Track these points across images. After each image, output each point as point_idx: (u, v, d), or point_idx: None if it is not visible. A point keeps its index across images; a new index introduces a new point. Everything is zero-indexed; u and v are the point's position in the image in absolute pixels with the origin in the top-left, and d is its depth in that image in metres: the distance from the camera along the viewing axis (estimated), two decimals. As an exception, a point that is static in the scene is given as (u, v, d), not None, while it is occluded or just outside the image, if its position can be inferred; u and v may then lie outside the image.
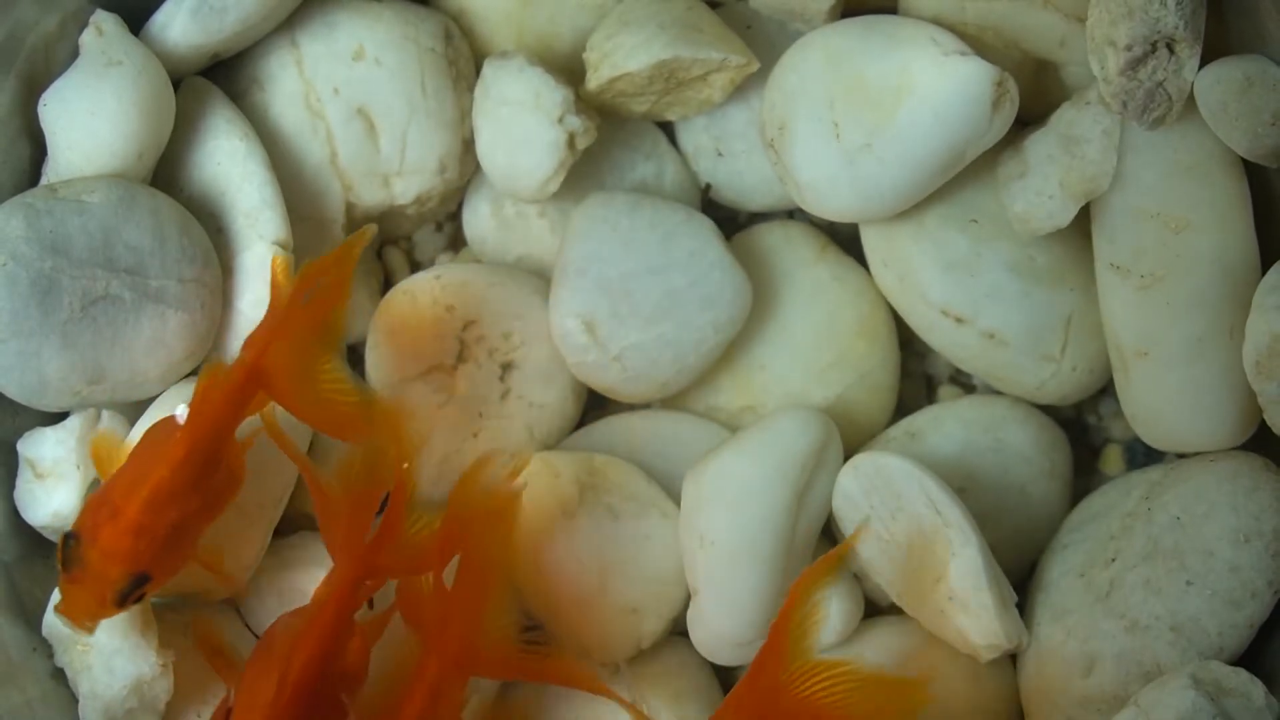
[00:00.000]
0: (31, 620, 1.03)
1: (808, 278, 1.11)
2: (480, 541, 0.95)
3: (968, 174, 1.07)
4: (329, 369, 0.97)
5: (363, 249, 0.99)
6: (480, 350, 1.09)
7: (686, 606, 1.06)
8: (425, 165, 1.12)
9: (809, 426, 1.06)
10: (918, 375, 1.15)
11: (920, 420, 1.10)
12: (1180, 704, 0.94)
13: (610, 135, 1.12)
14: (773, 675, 0.92)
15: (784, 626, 0.92)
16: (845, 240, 1.13)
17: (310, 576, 1.03)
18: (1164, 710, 0.95)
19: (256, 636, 1.07)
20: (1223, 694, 0.95)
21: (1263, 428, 1.03)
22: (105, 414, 1.06)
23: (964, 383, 1.14)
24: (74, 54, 1.06)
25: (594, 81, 1.08)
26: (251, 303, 1.07)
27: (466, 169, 1.13)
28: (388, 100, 1.11)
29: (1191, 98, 1.01)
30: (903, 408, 1.13)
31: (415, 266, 1.17)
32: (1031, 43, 1.08)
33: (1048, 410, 1.11)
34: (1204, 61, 1.01)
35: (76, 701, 1.01)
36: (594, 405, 1.13)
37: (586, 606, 1.06)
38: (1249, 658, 1.01)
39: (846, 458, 1.05)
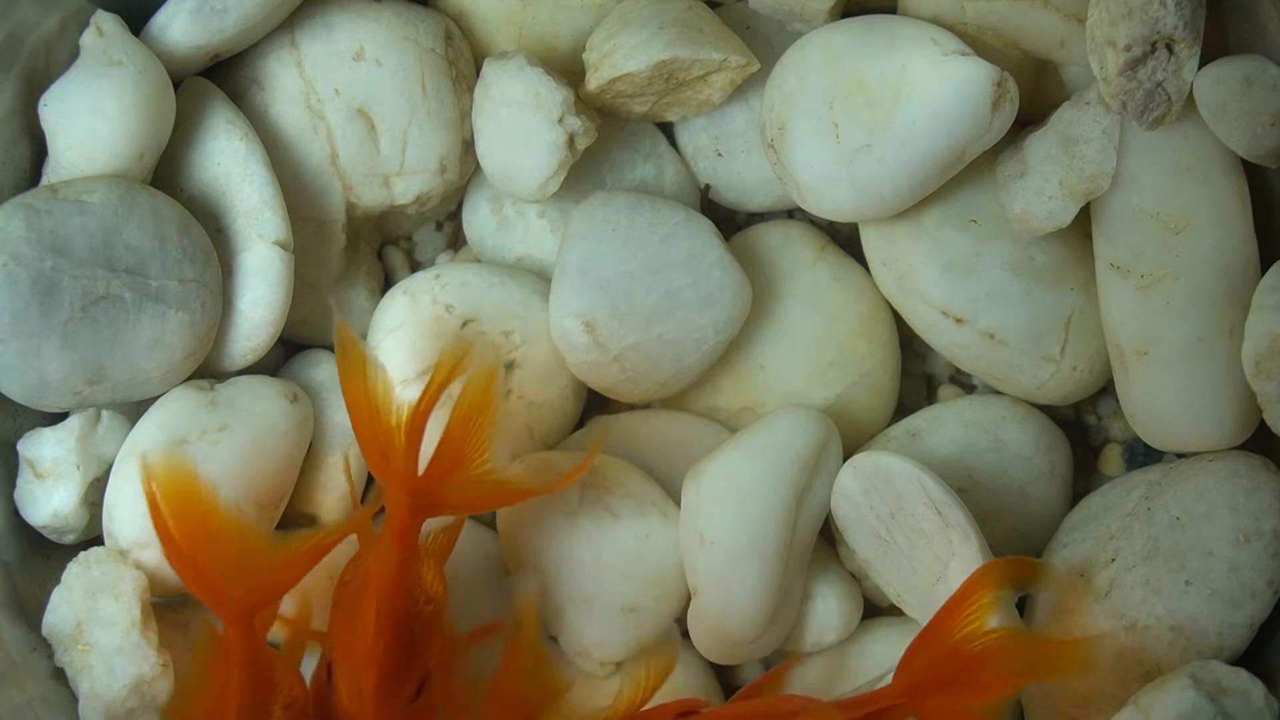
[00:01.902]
0: (32, 620, 1.03)
1: (807, 278, 1.11)
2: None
3: (967, 174, 1.07)
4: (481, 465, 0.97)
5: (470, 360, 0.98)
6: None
7: (686, 606, 1.06)
8: (425, 165, 1.12)
9: (809, 426, 1.06)
10: (918, 375, 1.15)
11: (920, 420, 1.10)
12: (1180, 704, 0.94)
13: (610, 135, 1.12)
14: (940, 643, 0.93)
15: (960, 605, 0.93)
16: (845, 240, 1.14)
17: (310, 575, 1.03)
18: (1164, 710, 0.95)
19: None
20: (1223, 694, 0.95)
21: (1263, 428, 1.03)
22: (105, 415, 1.06)
23: (964, 383, 1.14)
24: (74, 54, 1.06)
25: (594, 82, 1.08)
26: (251, 302, 1.07)
27: (466, 169, 1.13)
28: (388, 100, 1.11)
29: (1191, 98, 1.01)
30: (903, 408, 1.13)
31: (415, 266, 1.17)
32: (1031, 43, 1.08)
33: (1047, 410, 1.11)
34: (1204, 61, 1.01)
35: (77, 701, 1.01)
36: (594, 405, 1.13)
37: (586, 606, 1.06)
38: (1249, 658, 1.01)
39: (846, 458, 1.05)
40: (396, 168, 1.11)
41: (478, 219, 1.14)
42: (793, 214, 1.15)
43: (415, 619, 0.94)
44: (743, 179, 1.13)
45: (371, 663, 0.91)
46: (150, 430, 1.04)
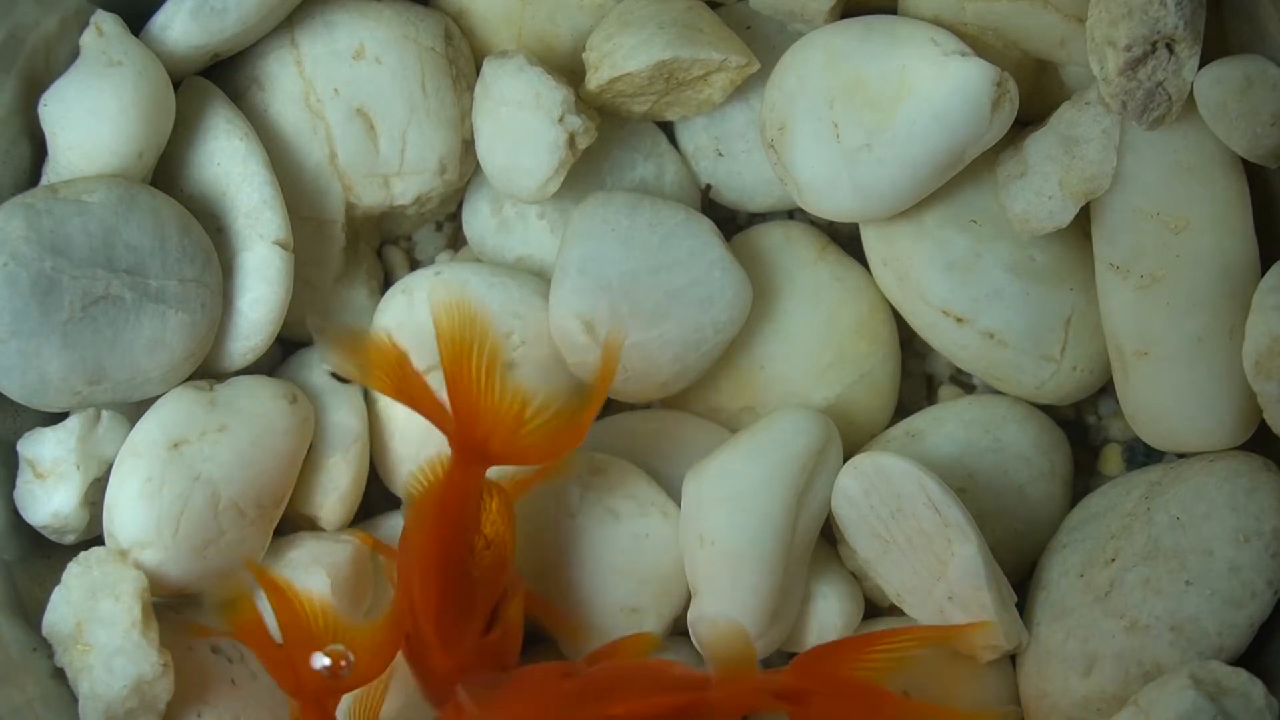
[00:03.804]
0: (32, 620, 1.03)
1: (808, 278, 1.11)
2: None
3: (968, 174, 1.07)
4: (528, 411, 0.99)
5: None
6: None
7: (686, 606, 1.06)
8: (425, 165, 1.12)
9: (809, 426, 1.06)
10: (918, 375, 1.15)
11: (920, 420, 1.10)
12: (1180, 704, 0.94)
13: (610, 135, 1.12)
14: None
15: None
16: (845, 240, 1.14)
17: (311, 576, 1.03)
18: (1164, 710, 0.95)
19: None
20: (1223, 694, 0.95)
21: (1263, 428, 1.03)
22: (105, 415, 1.06)
23: (964, 383, 1.15)
24: (74, 54, 1.06)
25: (594, 82, 1.08)
26: (251, 302, 1.07)
27: (466, 169, 1.13)
28: (388, 100, 1.11)
29: (1191, 98, 1.01)
30: (903, 408, 1.13)
31: (415, 266, 1.17)
32: (1031, 43, 1.08)
33: (1047, 410, 1.11)
34: (1204, 61, 1.01)
35: (77, 701, 1.01)
36: (594, 405, 1.13)
37: (587, 606, 1.06)
38: (1249, 658, 1.01)
39: (846, 458, 1.05)
40: (396, 168, 1.11)
41: (478, 219, 1.14)
42: (793, 214, 1.15)
43: (473, 564, 0.96)
44: (743, 179, 1.13)
45: (428, 615, 0.94)
46: (150, 430, 1.04)
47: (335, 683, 0.94)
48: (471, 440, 0.97)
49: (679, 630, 1.07)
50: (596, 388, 0.99)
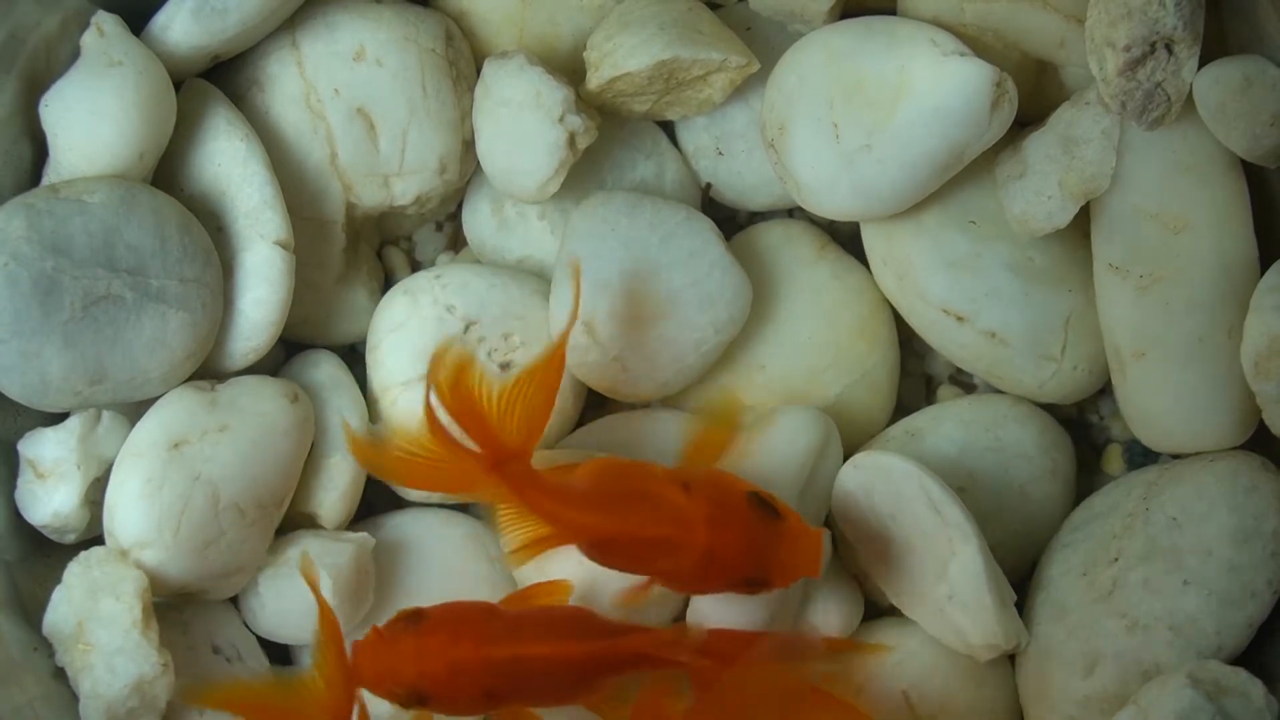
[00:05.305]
0: (32, 619, 1.03)
1: (808, 277, 1.11)
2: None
3: (967, 174, 1.07)
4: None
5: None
6: (480, 350, 1.09)
7: (686, 606, 1.06)
8: (425, 165, 1.12)
9: (808, 425, 1.06)
10: (918, 375, 1.15)
11: (920, 420, 1.10)
12: (1180, 703, 0.94)
13: (610, 135, 1.12)
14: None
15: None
16: (845, 239, 1.14)
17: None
18: (1163, 710, 0.95)
19: (257, 637, 1.08)
20: (1222, 693, 0.95)
21: (1262, 428, 1.03)
22: (105, 415, 1.06)
23: (964, 382, 1.15)
24: (75, 54, 1.06)
25: (594, 81, 1.08)
26: (252, 303, 1.07)
27: (466, 169, 1.13)
28: (388, 101, 1.11)
29: (1190, 98, 1.01)
30: (903, 407, 1.13)
31: (415, 266, 1.17)
32: (1031, 43, 1.08)
33: (1049, 409, 1.11)
34: (1203, 62, 1.01)
35: (78, 701, 1.01)
36: (594, 405, 1.13)
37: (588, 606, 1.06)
38: (1248, 657, 1.01)
39: (846, 457, 1.05)
40: (396, 168, 1.12)
41: (478, 220, 1.14)
42: (793, 213, 1.15)
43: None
44: (743, 178, 1.13)
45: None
46: (151, 430, 1.04)
47: None
48: (496, 457, 0.96)
49: (679, 630, 1.08)
50: (558, 340, 0.99)
